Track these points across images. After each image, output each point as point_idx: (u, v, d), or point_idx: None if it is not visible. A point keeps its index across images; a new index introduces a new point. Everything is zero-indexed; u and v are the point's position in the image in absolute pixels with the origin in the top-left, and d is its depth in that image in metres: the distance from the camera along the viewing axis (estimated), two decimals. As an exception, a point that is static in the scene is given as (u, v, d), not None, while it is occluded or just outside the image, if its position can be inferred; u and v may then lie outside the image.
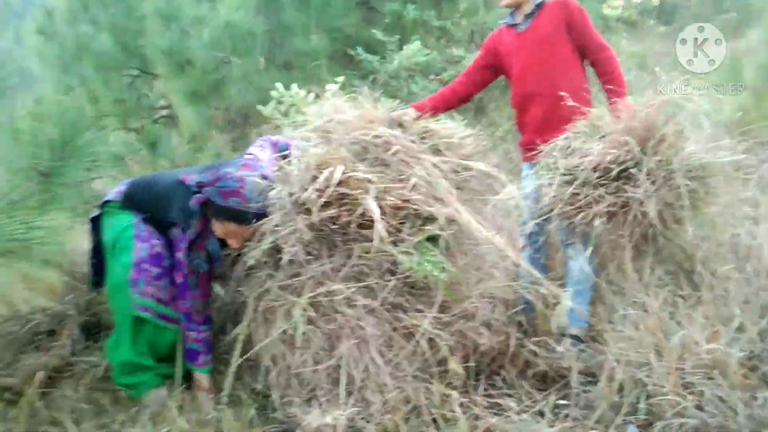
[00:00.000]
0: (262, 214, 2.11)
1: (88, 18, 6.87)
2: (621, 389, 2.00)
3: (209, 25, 4.96)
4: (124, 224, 2.28)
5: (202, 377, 2.28)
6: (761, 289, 2.34)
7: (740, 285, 2.35)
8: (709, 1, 7.43)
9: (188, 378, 2.30)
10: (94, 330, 2.73)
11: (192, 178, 2.24)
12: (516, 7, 2.59)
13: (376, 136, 2.14)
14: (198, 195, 2.15)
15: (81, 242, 3.17)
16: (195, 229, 2.17)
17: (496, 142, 4.80)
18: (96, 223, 2.37)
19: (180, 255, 2.21)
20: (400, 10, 5.78)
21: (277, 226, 2.08)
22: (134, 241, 2.24)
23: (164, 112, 6.91)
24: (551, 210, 2.33)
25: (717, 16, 6.80)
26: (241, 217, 2.12)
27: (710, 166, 2.31)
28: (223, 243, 2.24)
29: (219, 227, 2.18)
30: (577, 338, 2.39)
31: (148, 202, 2.30)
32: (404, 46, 5.15)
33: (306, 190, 1.99)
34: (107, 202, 2.35)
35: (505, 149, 4.77)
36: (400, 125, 2.34)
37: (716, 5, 7.06)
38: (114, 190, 2.39)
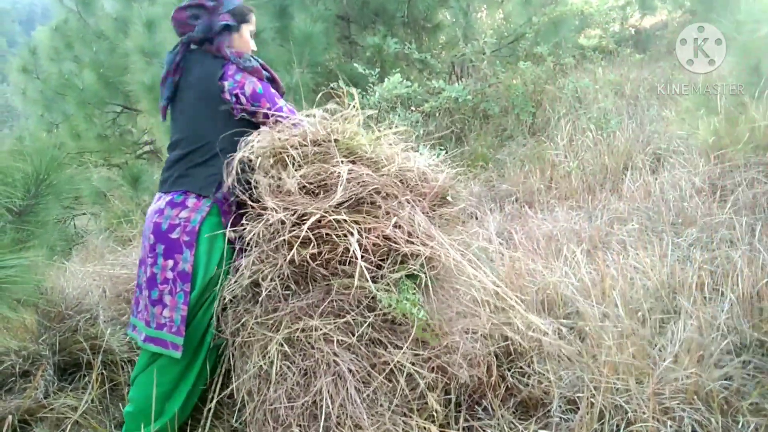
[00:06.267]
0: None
1: (72, 55, 6.93)
2: (602, 417, 1.99)
3: (191, 61, 5.00)
4: None
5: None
6: (740, 313, 2.35)
7: (719, 309, 2.35)
8: (682, 30, 7.61)
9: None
10: (69, 371, 2.68)
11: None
12: None
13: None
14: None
15: (58, 280, 3.15)
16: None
17: (477, 171, 4.84)
18: None
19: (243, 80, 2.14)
20: (381, 43, 5.87)
21: (256, 261, 2.07)
22: None
23: (147, 148, 6.92)
24: None
25: (690, 44, 6.97)
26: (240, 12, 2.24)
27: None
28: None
29: (236, 39, 2.23)
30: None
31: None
32: (385, 79, 5.22)
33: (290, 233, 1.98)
34: None
35: (487, 177, 4.82)
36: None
37: (688, 34, 7.23)
38: None
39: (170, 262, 2.09)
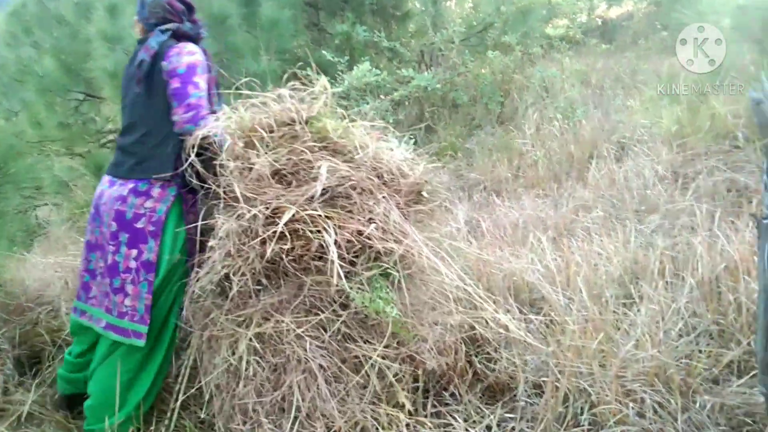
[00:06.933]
0: None
1: (31, 41, 6.71)
2: (566, 400, 2.03)
3: (155, 48, 4.89)
4: None
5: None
6: (700, 297, 2.41)
7: (679, 294, 2.42)
8: (647, 21, 7.75)
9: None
10: (31, 363, 2.62)
11: None
12: None
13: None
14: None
15: (18, 271, 3.08)
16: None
17: (446, 160, 4.86)
18: None
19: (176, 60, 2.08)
20: (350, 31, 5.82)
21: (228, 255, 2.03)
22: None
23: (111, 137, 6.75)
24: None
25: (654, 35, 7.11)
26: None
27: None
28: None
29: None
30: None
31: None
32: (354, 67, 5.19)
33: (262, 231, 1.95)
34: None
35: (456, 166, 4.84)
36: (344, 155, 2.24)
37: (653, 25, 7.37)
38: None
39: (134, 252, 2.07)
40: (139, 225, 2.07)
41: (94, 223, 2.18)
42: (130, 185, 2.11)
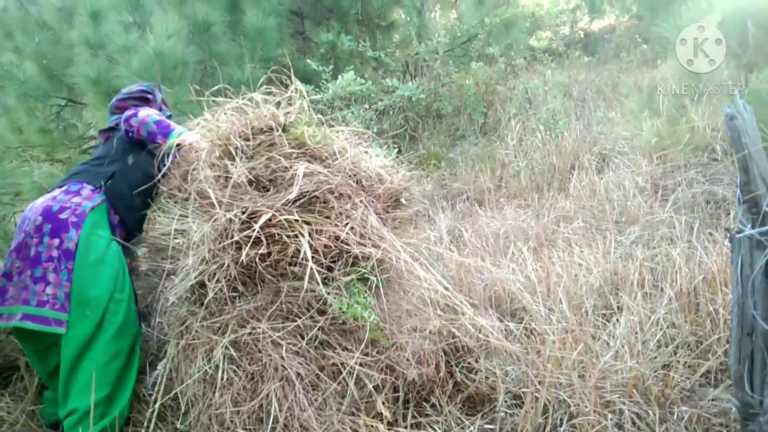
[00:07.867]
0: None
1: (12, 46, 6.64)
2: (545, 411, 2.03)
3: (138, 54, 4.85)
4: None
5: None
6: (678, 308, 2.44)
7: (658, 305, 2.44)
8: (629, 34, 7.86)
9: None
10: (4, 374, 2.57)
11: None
12: None
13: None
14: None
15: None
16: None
17: (430, 169, 4.87)
18: None
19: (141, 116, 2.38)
20: (335, 40, 5.84)
21: (202, 261, 2.02)
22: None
23: (93, 143, 6.69)
24: None
25: (635, 48, 7.20)
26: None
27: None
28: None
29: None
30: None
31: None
32: (339, 76, 5.20)
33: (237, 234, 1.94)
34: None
35: (439, 175, 4.86)
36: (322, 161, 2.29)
37: (634, 39, 7.48)
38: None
39: (56, 241, 2.11)
40: (62, 216, 2.15)
41: (18, 230, 2.23)
42: (63, 188, 2.26)
